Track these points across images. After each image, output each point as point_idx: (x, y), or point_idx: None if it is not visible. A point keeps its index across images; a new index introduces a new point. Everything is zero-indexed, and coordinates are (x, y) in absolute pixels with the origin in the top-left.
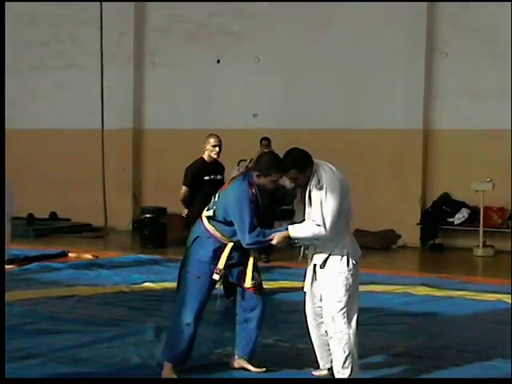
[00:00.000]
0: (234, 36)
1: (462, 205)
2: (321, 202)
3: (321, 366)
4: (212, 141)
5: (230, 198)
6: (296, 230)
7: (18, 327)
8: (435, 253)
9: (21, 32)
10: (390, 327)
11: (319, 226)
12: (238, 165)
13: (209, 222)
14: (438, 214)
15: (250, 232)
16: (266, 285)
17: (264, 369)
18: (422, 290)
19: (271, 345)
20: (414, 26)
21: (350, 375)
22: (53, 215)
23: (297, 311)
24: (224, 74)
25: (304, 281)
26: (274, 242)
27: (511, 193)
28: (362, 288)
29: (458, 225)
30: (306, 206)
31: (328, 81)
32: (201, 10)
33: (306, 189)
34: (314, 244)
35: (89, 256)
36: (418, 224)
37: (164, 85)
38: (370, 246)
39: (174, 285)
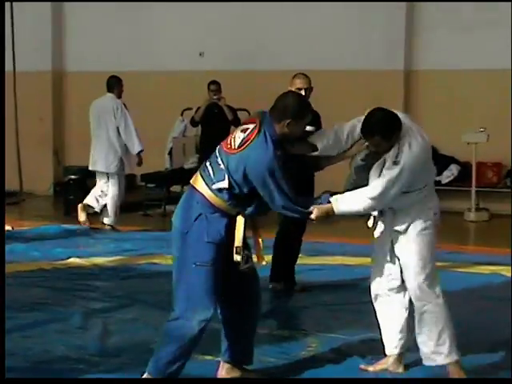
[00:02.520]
0: None
1: (451, 160)
2: (389, 178)
3: (387, 352)
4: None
5: (253, 168)
6: (342, 204)
7: None
8: None
9: None
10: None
11: (374, 199)
12: (182, 115)
13: (214, 194)
14: None
15: (289, 200)
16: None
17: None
18: None
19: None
20: None
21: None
22: None
23: None
24: (164, 7)
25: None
26: (313, 216)
27: (511, 144)
28: (334, 261)
29: (445, 184)
30: (372, 171)
31: (288, 13)
32: None
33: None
34: (391, 208)
35: None
36: None
37: (91, 18)
38: None
39: (105, 260)
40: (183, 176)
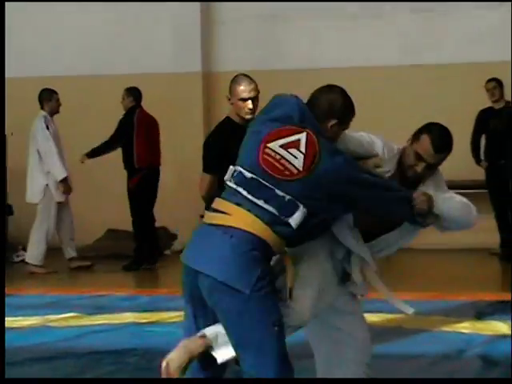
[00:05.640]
0: None
1: None
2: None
3: None
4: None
5: (336, 174)
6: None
7: None
8: None
9: None
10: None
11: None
12: None
13: (275, 232)
14: None
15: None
16: None
17: None
18: None
19: None
20: None
21: None
22: None
23: None
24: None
25: None
26: (429, 221)
27: None
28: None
29: None
30: None
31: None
32: None
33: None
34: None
35: None
36: (202, 216)
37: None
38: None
39: None
40: None
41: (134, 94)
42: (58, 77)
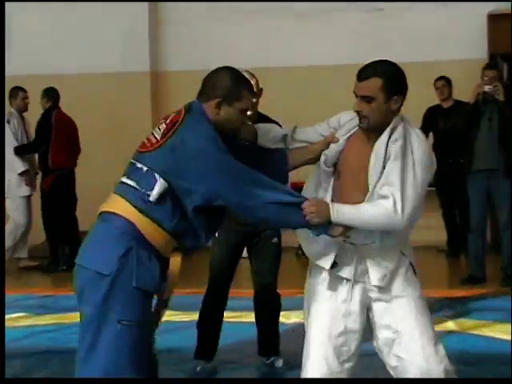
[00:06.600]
0: None
1: None
2: (404, 176)
3: None
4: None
5: (195, 152)
6: (348, 214)
7: None
8: None
9: None
10: None
11: (396, 211)
12: None
13: (145, 215)
14: None
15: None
16: None
17: None
18: None
19: None
20: None
21: None
22: None
23: None
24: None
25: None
26: (335, 233)
27: None
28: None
29: None
30: (353, 172)
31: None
32: None
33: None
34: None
35: None
36: None
37: None
38: None
39: None
40: None
41: (50, 94)
42: (9, 77)
